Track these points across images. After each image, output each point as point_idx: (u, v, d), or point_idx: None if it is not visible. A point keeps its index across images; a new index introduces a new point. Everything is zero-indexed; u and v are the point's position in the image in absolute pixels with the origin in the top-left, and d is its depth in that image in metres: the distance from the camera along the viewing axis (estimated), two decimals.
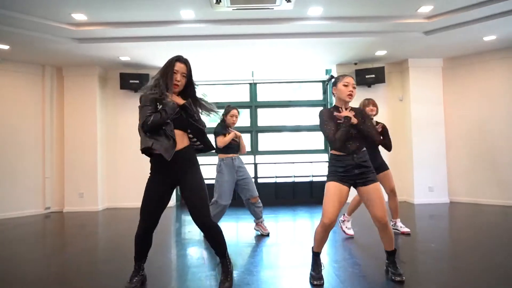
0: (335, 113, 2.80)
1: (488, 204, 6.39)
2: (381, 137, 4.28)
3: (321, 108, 7.99)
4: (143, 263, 2.81)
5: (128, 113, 7.14)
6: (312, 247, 2.93)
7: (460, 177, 6.80)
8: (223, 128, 4.38)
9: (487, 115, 6.52)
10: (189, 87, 2.69)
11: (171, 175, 2.66)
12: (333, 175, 2.82)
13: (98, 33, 5.27)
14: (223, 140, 4.25)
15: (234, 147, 4.38)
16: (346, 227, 4.47)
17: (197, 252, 4.06)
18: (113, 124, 7.20)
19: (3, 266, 3.64)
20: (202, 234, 4.59)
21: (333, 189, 2.77)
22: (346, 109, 2.86)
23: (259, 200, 4.51)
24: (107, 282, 3.11)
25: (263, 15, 4.89)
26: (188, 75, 2.66)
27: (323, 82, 7.98)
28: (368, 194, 2.77)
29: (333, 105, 2.96)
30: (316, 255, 2.90)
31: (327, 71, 7.88)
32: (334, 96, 2.93)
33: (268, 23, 5.04)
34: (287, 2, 4.40)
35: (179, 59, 2.64)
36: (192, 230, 5.07)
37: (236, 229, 5.27)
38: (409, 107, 6.92)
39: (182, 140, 2.64)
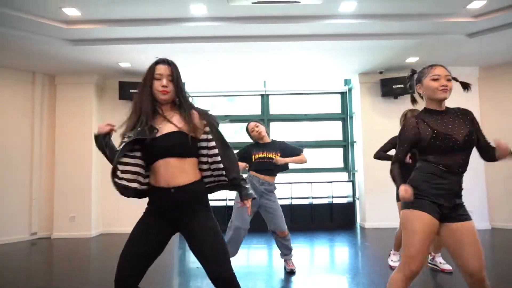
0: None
1: None
2: None
3: (340, 122, 7.28)
4: None
5: None
6: None
7: (502, 201, 6.03)
8: (248, 147, 3.72)
9: None
10: (179, 94, 1.95)
11: (171, 220, 1.90)
12: (423, 198, 2.00)
13: (93, 33, 4.59)
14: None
15: (266, 168, 3.63)
16: (440, 262, 3.75)
17: None
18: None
19: None
20: None
21: (424, 222, 1.96)
22: (442, 112, 2.13)
23: (289, 235, 3.73)
24: None
25: (287, 12, 4.21)
26: (175, 78, 1.93)
27: (342, 93, 7.28)
28: (460, 234, 1.96)
29: (422, 108, 2.20)
30: None
31: (346, 82, 7.20)
32: (422, 97, 2.19)
33: (292, 21, 4.34)
34: None
35: (158, 61, 1.99)
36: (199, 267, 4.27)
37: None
38: None
39: (181, 172, 1.87)
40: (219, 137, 1.93)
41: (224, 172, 1.90)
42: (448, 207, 1.98)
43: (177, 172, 1.85)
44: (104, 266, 4.39)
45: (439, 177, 2.00)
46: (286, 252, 3.76)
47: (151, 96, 1.94)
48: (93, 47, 4.93)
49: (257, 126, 3.71)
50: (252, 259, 4.70)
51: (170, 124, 1.89)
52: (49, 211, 6.07)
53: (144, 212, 1.96)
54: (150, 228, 1.90)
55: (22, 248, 5.42)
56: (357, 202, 6.81)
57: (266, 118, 7.18)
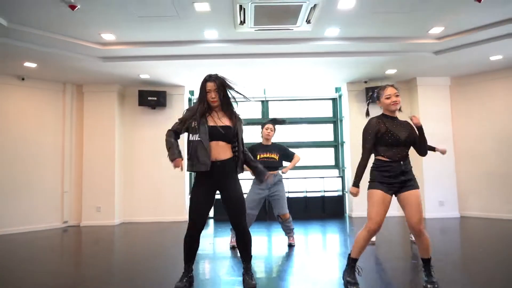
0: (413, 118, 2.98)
1: (499, 219, 6.52)
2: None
3: (332, 124, 8.21)
4: (192, 265, 3.01)
5: (145, 129, 7.35)
6: (349, 254, 3.03)
7: (470, 192, 6.95)
8: (254, 147, 4.65)
9: (494, 132, 6.73)
10: (224, 101, 3.00)
11: (212, 184, 2.92)
12: (378, 182, 2.93)
13: (122, 52, 5.51)
14: None
15: (269, 165, 4.43)
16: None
17: (224, 262, 4.19)
18: (131, 140, 7.38)
19: (25, 278, 3.75)
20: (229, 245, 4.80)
21: (378, 196, 2.90)
22: (394, 118, 3.03)
23: (290, 218, 4.67)
24: None
25: (283, 36, 5.15)
26: (220, 90, 2.96)
27: (333, 99, 8.22)
28: (407, 199, 2.88)
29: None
30: (354, 261, 2.99)
31: (337, 89, 8.13)
32: (381, 108, 3.09)
33: (287, 42, 5.29)
34: (307, 23, 4.65)
35: (206, 79, 3.00)
36: (212, 242, 5.22)
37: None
38: None
39: (223, 151, 2.91)
40: (242, 131, 3.05)
41: (241, 155, 3.00)
42: (397, 183, 2.91)
43: (222, 151, 2.89)
44: (125, 250, 5.26)
45: (384, 165, 2.93)
46: (288, 231, 4.73)
47: (207, 103, 2.95)
48: (119, 63, 5.86)
49: (271, 130, 4.69)
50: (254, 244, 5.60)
51: (222, 120, 2.96)
52: (78, 203, 7.01)
53: (195, 181, 2.98)
54: (203, 189, 2.91)
55: (56, 234, 6.31)
56: (346, 195, 7.73)
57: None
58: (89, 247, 5.55)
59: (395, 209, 6.97)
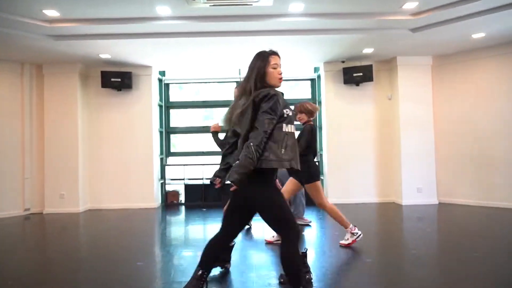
0: None
1: (477, 206, 6.24)
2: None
3: None
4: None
5: (111, 112, 7.00)
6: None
7: (449, 178, 6.66)
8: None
9: (477, 114, 6.37)
10: None
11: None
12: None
13: (72, 30, 5.10)
14: None
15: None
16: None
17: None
18: (95, 123, 7.03)
19: None
20: None
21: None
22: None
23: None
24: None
25: (242, 12, 4.72)
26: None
27: (311, 80, 7.82)
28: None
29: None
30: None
31: (316, 69, 7.72)
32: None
33: (248, 19, 4.86)
34: None
35: (271, 53, 2.38)
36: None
37: None
38: (397, 106, 6.76)
39: None
40: None
41: None
42: None
43: None
44: (91, 237, 5.09)
45: None
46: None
47: (264, 81, 2.29)
48: (74, 41, 5.44)
49: None
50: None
51: None
52: (40, 189, 6.71)
53: (266, 181, 2.29)
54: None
55: (17, 222, 6.07)
56: (322, 180, 7.44)
57: None
58: (52, 235, 5.41)
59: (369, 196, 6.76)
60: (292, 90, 7.96)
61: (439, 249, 4.20)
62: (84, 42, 5.50)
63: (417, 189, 6.64)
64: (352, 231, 4.02)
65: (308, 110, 4.08)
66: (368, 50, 6.31)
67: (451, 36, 5.56)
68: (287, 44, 5.83)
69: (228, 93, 7.83)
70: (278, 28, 5.26)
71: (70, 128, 6.70)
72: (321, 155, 7.60)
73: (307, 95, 7.85)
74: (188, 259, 3.85)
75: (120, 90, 6.84)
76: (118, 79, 6.67)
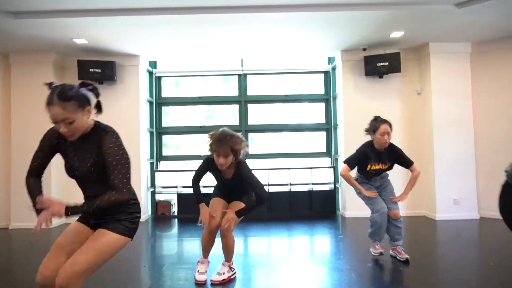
0: None
1: None
2: None
3: (323, 103, 6.79)
4: None
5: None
6: None
7: (492, 188, 5.54)
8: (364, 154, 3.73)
9: None
10: None
11: None
12: None
13: (34, 3, 4.07)
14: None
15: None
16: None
17: None
18: None
19: None
20: None
21: None
22: None
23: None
24: None
25: None
26: None
27: (325, 72, 6.76)
28: None
29: None
30: None
31: (330, 60, 6.67)
32: None
33: None
34: None
35: None
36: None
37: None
38: (429, 101, 5.69)
39: None
40: None
41: None
42: None
43: None
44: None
45: None
46: (397, 236, 3.68)
47: None
48: (38, 20, 4.41)
49: (389, 133, 3.58)
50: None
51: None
52: (7, 201, 5.66)
53: None
54: None
55: None
56: (339, 189, 6.38)
57: (243, 99, 6.70)
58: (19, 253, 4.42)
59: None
60: (302, 85, 6.92)
61: (486, 277, 3.19)
62: (51, 20, 4.45)
63: (454, 201, 5.57)
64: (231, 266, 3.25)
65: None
66: (397, 34, 5.25)
67: (499, 14, 4.51)
68: (297, 26, 4.81)
69: (229, 88, 6.81)
70: (286, 3, 4.22)
71: (42, 127, 5.63)
72: (336, 159, 6.55)
73: (320, 90, 6.80)
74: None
75: (102, 83, 5.80)
76: (97, 70, 5.63)
